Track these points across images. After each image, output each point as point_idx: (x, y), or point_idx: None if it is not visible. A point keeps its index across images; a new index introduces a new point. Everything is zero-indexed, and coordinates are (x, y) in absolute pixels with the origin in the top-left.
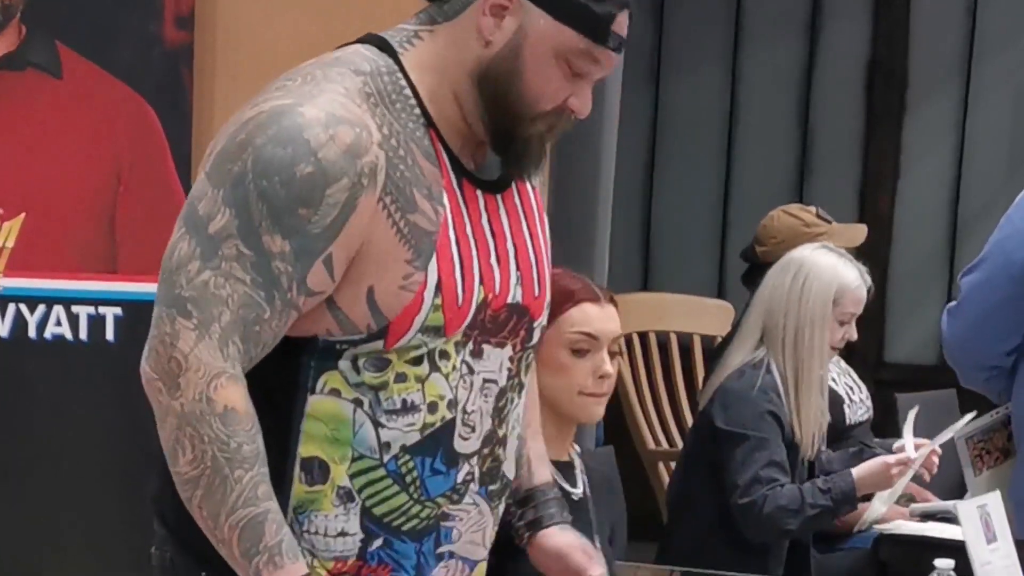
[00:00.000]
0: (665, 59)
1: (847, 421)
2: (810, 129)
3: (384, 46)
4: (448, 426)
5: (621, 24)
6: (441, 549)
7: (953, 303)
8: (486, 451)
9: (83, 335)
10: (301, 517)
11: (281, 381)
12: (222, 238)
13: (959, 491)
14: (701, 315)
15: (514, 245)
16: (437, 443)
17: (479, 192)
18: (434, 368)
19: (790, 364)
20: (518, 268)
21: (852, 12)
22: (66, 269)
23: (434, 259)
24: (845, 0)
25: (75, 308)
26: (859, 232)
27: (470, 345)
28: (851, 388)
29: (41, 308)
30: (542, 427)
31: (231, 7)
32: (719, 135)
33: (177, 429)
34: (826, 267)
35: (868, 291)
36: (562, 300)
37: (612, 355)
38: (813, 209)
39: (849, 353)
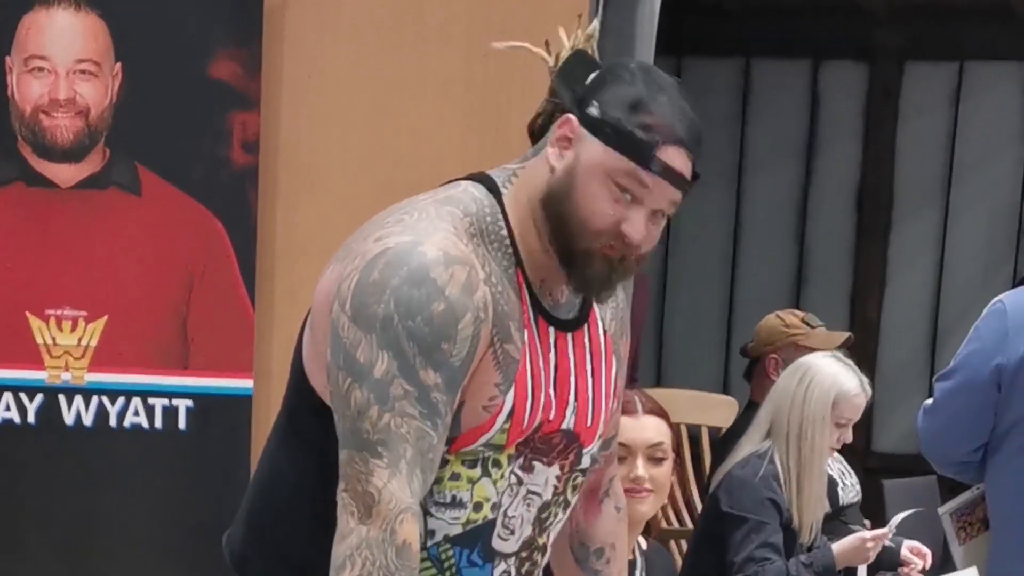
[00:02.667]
0: None
1: (840, 502)
2: (806, 243)
3: (491, 186)
4: (488, 525)
5: (672, 156)
6: None
7: (929, 401)
8: (524, 554)
9: (158, 424)
10: None
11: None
12: (388, 380)
13: (941, 566)
14: (708, 409)
15: (575, 379)
16: (476, 538)
17: (551, 328)
18: (485, 473)
19: (792, 458)
20: (575, 399)
21: (843, 140)
22: (143, 365)
23: (513, 388)
24: (837, 129)
25: (151, 400)
26: (836, 338)
27: (521, 460)
28: (843, 473)
29: (121, 400)
30: None
31: (292, 134)
32: (725, 247)
33: (355, 548)
34: (828, 374)
35: (867, 399)
36: None
37: (656, 460)
38: (801, 314)
39: None
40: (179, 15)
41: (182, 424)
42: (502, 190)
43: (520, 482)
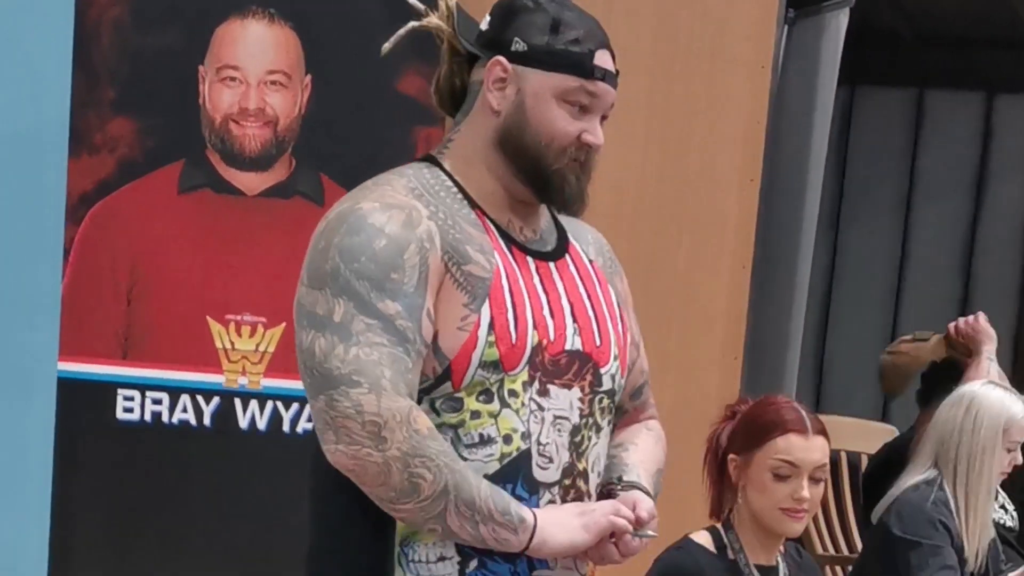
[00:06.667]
0: (845, 209)
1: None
2: (972, 276)
3: (426, 159)
4: (524, 456)
5: (603, 59)
6: (536, 573)
7: None
8: (567, 482)
9: None
10: (406, 549)
11: None
12: (348, 320)
13: None
14: (869, 436)
15: (570, 302)
16: (516, 471)
17: (530, 258)
18: (504, 405)
19: (961, 487)
20: (575, 321)
21: (1015, 174)
22: None
23: (487, 302)
24: (1009, 164)
25: None
26: None
27: (536, 385)
28: (1000, 497)
29: (295, 406)
30: (751, 534)
31: None
32: (890, 277)
33: (407, 467)
34: (995, 401)
35: None
36: (772, 428)
37: (816, 480)
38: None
39: None
40: (370, 29)
41: None
42: (438, 156)
43: (541, 408)
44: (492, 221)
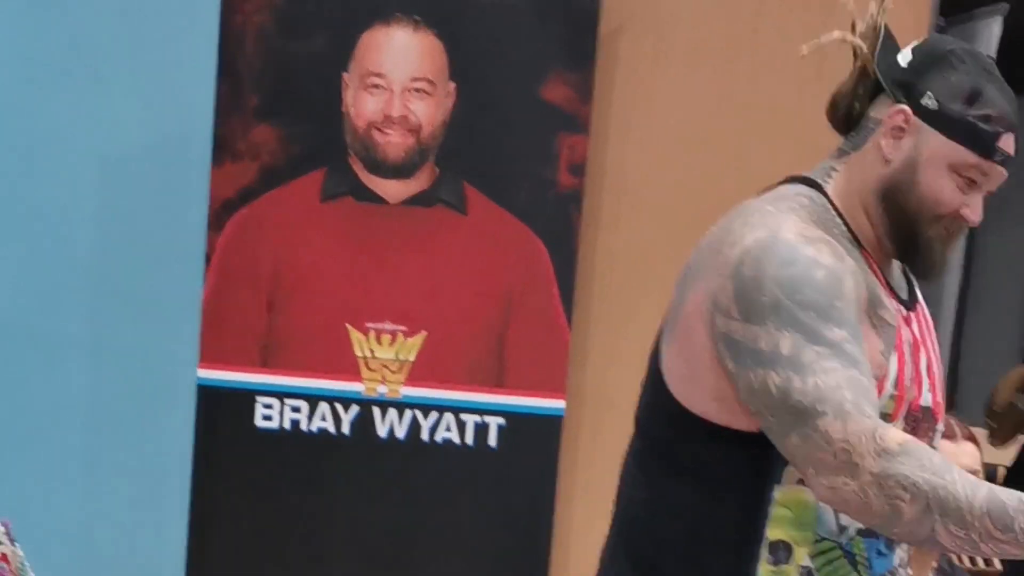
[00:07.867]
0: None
1: None
2: None
3: (810, 183)
4: None
5: (1007, 143)
6: None
7: None
8: None
9: (469, 440)
10: None
11: (752, 471)
12: (798, 352)
13: None
14: (1005, 447)
15: (925, 355)
16: None
17: (901, 307)
18: None
19: None
20: (928, 375)
21: None
22: (458, 381)
23: (894, 353)
24: None
25: (463, 416)
26: None
27: None
28: None
29: (434, 415)
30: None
31: (618, 159)
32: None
33: (883, 491)
34: None
35: None
36: None
37: None
38: None
39: None
40: (516, 37)
41: (492, 441)
42: (822, 183)
43: None
44: (876, 261)
